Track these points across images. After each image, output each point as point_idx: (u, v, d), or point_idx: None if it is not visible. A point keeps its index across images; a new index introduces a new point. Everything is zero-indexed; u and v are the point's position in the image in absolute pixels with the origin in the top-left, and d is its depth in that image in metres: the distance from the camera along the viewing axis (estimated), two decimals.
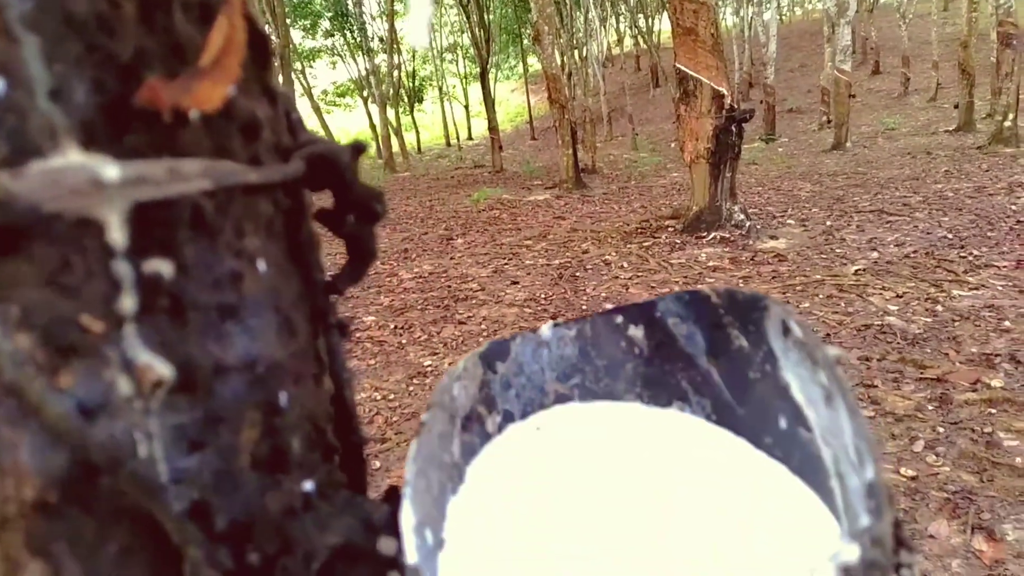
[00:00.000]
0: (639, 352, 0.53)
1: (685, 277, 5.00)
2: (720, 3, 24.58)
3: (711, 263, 5.34)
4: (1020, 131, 9.44)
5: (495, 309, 4.67)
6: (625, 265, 5.53)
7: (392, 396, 3.37)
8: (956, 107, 12.36)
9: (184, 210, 0.30)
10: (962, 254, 4.87)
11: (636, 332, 0.53)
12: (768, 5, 15.81)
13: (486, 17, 17.93)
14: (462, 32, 26.08)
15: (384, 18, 21.03)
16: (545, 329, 0.53)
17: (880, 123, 14.55)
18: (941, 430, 2.65)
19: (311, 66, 22.55)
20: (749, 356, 0.47)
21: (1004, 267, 4.47)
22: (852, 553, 0.25)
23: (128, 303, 0.28)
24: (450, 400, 0.45)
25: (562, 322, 0.54)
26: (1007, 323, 3.57)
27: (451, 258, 6.49)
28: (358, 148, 0.39)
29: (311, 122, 24.20)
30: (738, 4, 19.77)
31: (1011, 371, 3.04)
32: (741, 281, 4.79)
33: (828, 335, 3.65)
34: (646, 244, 6.18)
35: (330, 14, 20.95)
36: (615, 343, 0.53)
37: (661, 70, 24.57)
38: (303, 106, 17.72)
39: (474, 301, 4.91)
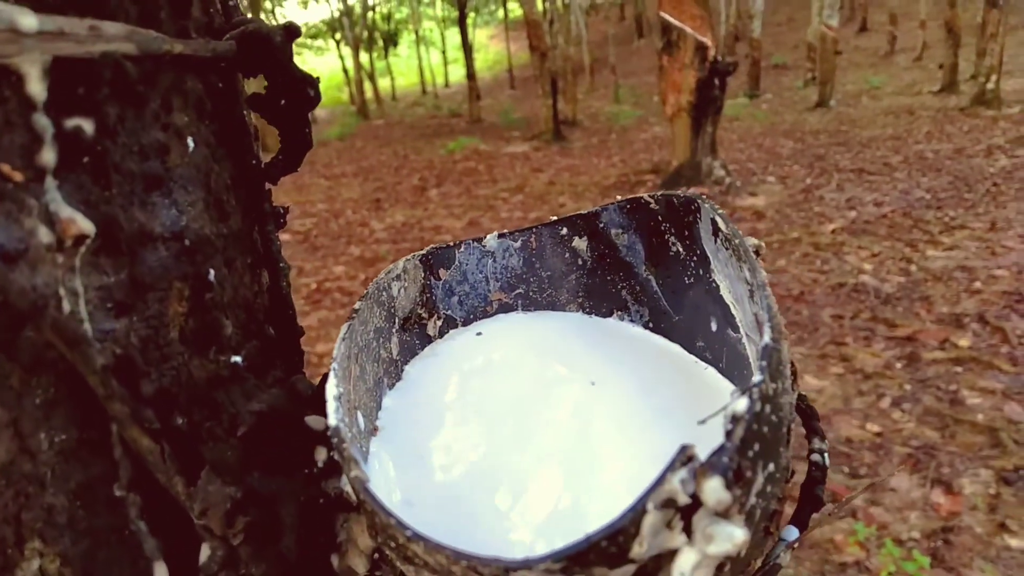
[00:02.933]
0: (582, 263, 0.55)
1: None
2: None
3: None
4: (1002, 93, 9.46)
5: None
6: None
7: None
8: (941, 67, 12.33)
9: (106, 70, 0.30)
10: (938, 215, 4.90)
11: (580, 243, 0.54)
12: None
13: None
14: None
15: None
16: (491, 239, 0.54)
17: (865, 81, 14.49)
18: (908, 387, 2.70)
19: (281, 5, 21.79)
20: (684, 261, 0.49)
21: (978, 229, 4.50)
22: (740, 404, 0.26)
23: (49, 156, 0.29)
24: (388, 298, 0.47)
25: (508, 232, 0.54)
26: (978, 284, 3.61)
27: (425, 209, 6.41)
28: (291, 30, 0.38)
29: None
30: None
31: (979, 331, 3.09)
32: None
33: (802, 293, 3.68)
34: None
35: None
36: (559, 254, 0.55)
37: (646, 20, 24.20)
38: None
39: None
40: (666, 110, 6.12)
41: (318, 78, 0.39)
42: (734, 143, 9.12)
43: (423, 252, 0.52)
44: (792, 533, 0.34)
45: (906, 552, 1.96)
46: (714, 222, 0.44)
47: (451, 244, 0.53)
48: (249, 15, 0.37)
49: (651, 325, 0.52)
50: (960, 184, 5.71)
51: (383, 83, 26.91)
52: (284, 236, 5.72)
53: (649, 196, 0.50)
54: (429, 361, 0.49)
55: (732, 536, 0.22)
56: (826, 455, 0.37)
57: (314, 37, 25.35)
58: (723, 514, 0.23)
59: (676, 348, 0.50)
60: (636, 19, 25.88)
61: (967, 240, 4.31)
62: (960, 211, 4.94)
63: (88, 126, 0.29)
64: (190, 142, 0.35)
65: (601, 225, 0.53)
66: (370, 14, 21.83)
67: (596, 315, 0.55)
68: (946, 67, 11.61)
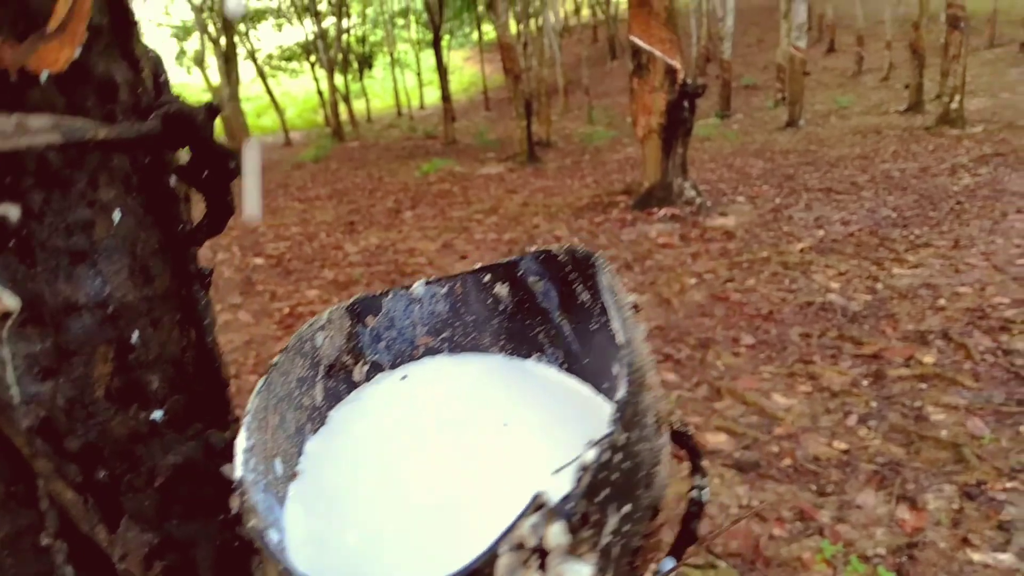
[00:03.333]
0: (504, 308, 0.57)
1: (634, 254, 5.03)
2: None
3: (661, 240, 5.38)
4: (966, 113, 9.70)
5: None
6: (575, 241, 5.54)
7: None
8: (907, 87, 12.62)
9: (30, 161, 0.32)
10: (904, 233, 4.99)
11: (502, 290, 0.56)
12: None
13: None
14: None
15: None
16: (418, 286, 0.56)
17: (834, 101, 14.78)
18: (874, 404, 2.74)
19: (255, 28, 21.76)
20: (590, 309, 0.52)
21: (942, 247, 4.59)
22: (589, 455, 0.28)
23: None
24: (311, 348, 0.49)
25: (434, 279, 0.56)
26: (942, 301, 3.68)
27: (399, 231, 6.42)
28: (212, 109, 0.41)
29: (255, 87, 23.48)
30: None
31: (943, 348, 3.15)
32: (690, 258, 4.84)
33: (771, 312, 3.73)
34: (597, 220, 6.20)
35: None
36: (483, 300, 0.57)
37: (618, 42, 24.52)
38: (247, 70, 17.16)
39: (421, 275, 4.85)
40: (637, 132, 6.20)
41: (236, 152, 0.41)
42: (705, 163, 9.24)
43: (349, 301, 0.54)
44: (668, 564, 0.37)
45: (872, 569, 1.99)
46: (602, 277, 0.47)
47: (378, 293, 0.56)
48: (174, 95, 0.40)
49: (565, 367, 0.55)
50: (925, 203, 5.82)
51: (358, 105, 26.97)
52: (257, 260, 5.69)
53: (557, 249, 0.53)
54: (353, 406, 0.51)
55: (579, 573, 0.25)
56: (705, 492, 0.40)
57: (288, 59, 25.28)
58: (573, 553, 0.26)
59: (586, 389, 0.52)
60: (609, 41, 26.20)
61: (932, 258, 4.39)
62: (925, 229, 5.03)
63: (14, 212, 0.32)
64: (116, 214, 0.37)
65: (520, 273, 0.56)
66: (344, 36, 21.89)
67: (516, 357, 0.57)
68: (912, 87, 11.88)
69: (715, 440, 2.60)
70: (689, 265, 4.69)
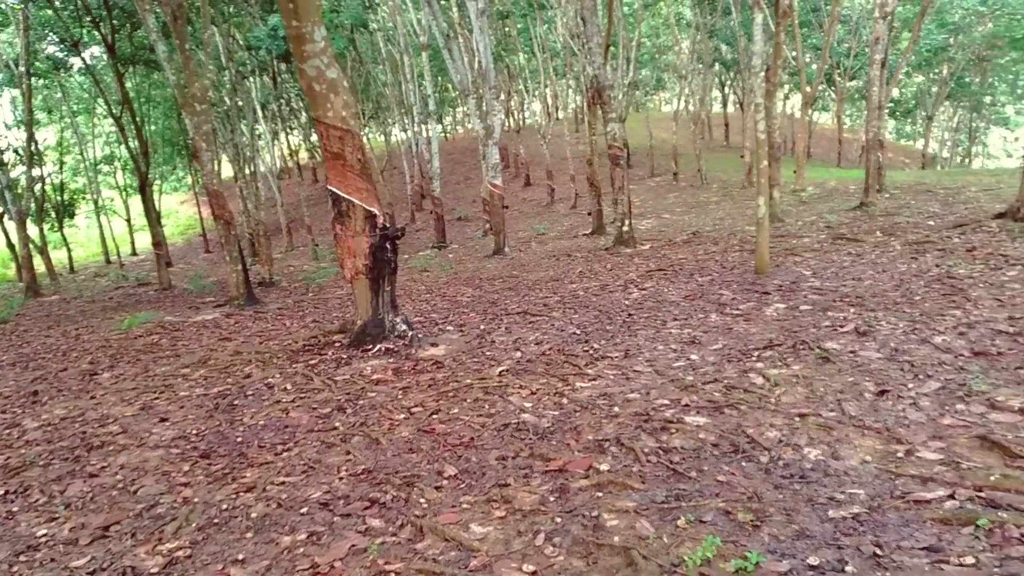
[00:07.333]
0: None
1: (348, 393, 5.04)
2: (387, 121, 26.10)
3: (375, 376, 5.46)
4: (637, 233, 11.24)
5: (136, 454, 4.26)
6: (289, 387, 5.43)
7: None
8: (589, 214, 14.37)
9: None
10: (586, 348, 5.54)
11: None
12: (430, 125, 17.19)
13: (145, 129, 17.11)
14: (119, 143, 24.37)
15: (22, 127, 18.91)
16: None
17: (533, 229, 16.35)
18: (559, 520, 2.89)
19: None
20: None
21: (616, 357, 5.17)
22: None
23: None
24: None
25: None
26: (616, 409, 4.09)
27: (92, 397, 5.83)
28: None
29: None
30: (404, 122, 21.19)
31: (617, 454, 3.47)
32: (401, 393, 4.94)
33: (472, 439, 3.89)
34: (312, 362, 6.14)
35: None
36: None
37: None
38: None
39: (112, 447, 4.43)
40: (345, 274, 6.34)
41: None
42: (422, 294, 9.63)
43: None
44: None
45: None
46: None
47: None
48: None
49: None
50: (603, 317, 6.55)
51: (59, 255, 24.65)
52: None
53: None
54: None
55: None
56: None
57: None
58: None
59: None
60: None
61: (607, 369, 4.91)
62: (603, 342, 5.64)
63: None
64: None
65: None
66: (39, 186, 20.11)
67: None
68: (594, 214, 13.60)
69: None
70: (400, 400, 4.78)
